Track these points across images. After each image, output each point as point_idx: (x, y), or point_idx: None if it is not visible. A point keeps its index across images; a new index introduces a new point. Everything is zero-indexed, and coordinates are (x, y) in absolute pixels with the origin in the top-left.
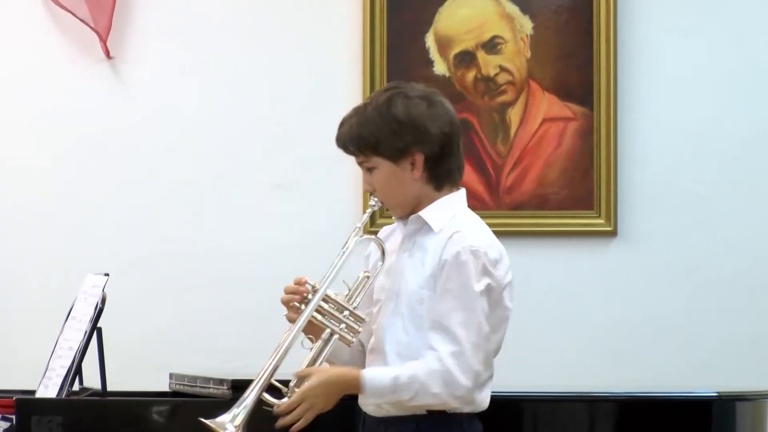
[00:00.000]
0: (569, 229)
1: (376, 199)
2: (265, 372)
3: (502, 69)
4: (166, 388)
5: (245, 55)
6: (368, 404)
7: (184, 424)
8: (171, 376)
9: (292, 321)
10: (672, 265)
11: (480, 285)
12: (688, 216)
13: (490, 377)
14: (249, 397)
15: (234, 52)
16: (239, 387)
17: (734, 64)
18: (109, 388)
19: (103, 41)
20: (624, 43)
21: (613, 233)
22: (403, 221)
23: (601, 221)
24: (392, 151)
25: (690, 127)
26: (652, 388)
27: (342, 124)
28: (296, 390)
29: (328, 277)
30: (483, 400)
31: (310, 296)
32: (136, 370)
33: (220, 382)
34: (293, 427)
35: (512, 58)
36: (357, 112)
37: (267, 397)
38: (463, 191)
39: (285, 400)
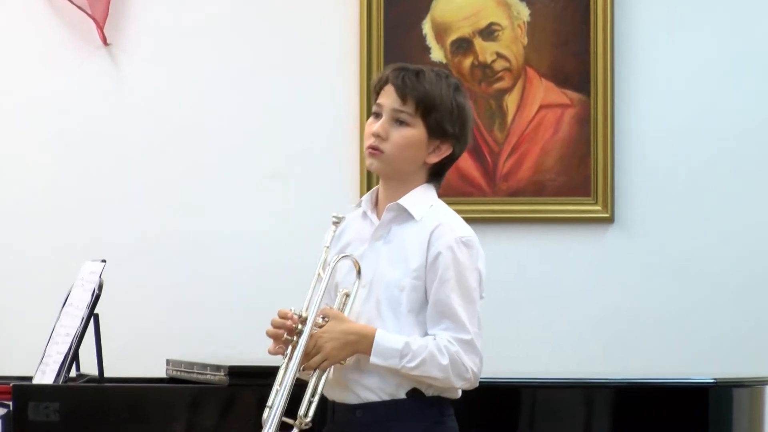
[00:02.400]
0: (566, 216)
1: (337, 216)
2: (275, 413)
3: (499, 56)
4: (163, 375)
5: (241, 45)
6: (360, 378)
7: (181, 410)
8: (168, 362)
9: (277, 353)
10: (669, 251)
11: (474, 275)
12: (685, 203)
13: None
14: None
15: (229, 41)
16: (236, 373)
17: (731, 53)
18: (107, 374)
19: (100, 28)
20: (621, 30)
21: (610, 220)
22: (368, 210)
23: (598, 208)
24: (437, 126)
25: (687, 115)
26: (648, 374)
27: (405, 71)
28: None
29: (315, 303)
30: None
31: (299, 326)
32: (133, 356)
33: (217, 368)
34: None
35: (509, 45)
36: (424, 72)
37: None
38: (435, 189)
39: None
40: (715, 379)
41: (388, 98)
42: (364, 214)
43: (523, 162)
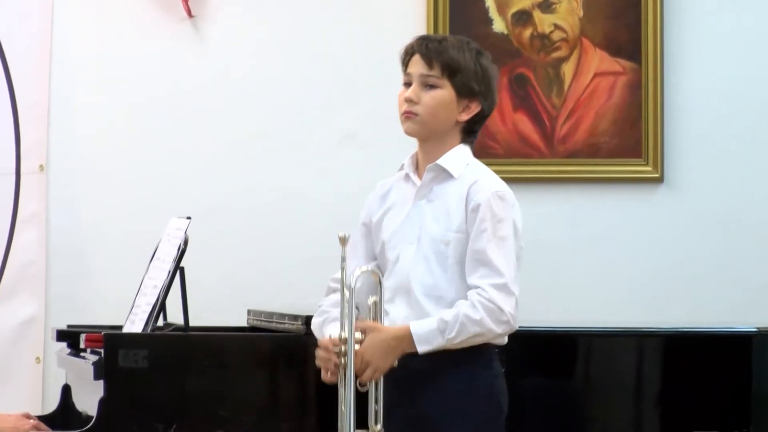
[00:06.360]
0: (619, 176)
1: (344, 236)
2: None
3: (557, 27)
4: (244, 324)
5: (318, 17)
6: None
7: (260, 356)
8: (249, 312)
9: (333, 381)
10: (715, 209)
11: (509, 225)
12: (731, 163)
13: None
14: None
15: (305, 11)
16: None
17: None
18: (191, 323)
19: (185, 1)
20: (671, 2)
21: (660, 180)
22: (410, 172)
23: (649, 168)
24: (464, 86)
25: (733, 79)
26: (695, 323)
27: (428, 40)
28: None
29: (350, 323)
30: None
31: (343, 347)
32: (216, 307)
33: (295, 317)
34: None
35: (566, 17)
36: (446, 39)
37: None
38: (469, 149)
39: None
40: (757, 328)
41: (416, 66)
42: (407, 176)
43: (579, 126)
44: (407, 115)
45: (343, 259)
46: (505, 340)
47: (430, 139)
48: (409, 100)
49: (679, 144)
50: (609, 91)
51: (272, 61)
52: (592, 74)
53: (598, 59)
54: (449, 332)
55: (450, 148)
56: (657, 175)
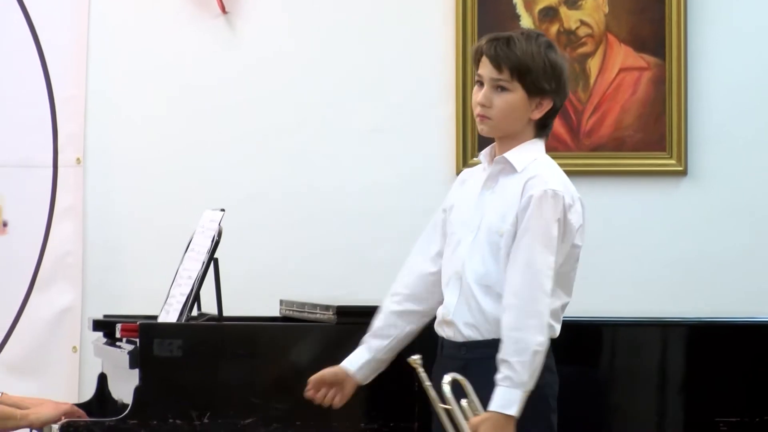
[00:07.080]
0: (643, 169)
1: None
2: None
3: (583, 23)
4: (276, 314)
5: (347, 11)
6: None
7: (293, 345)
8: (281, 302)
9: None
10: (736, 201)
11: (554, 225)
12: (753, 156)
13: (564, 307)
14: None
15: (336, 7)
16: (343, 312)
17: None
18: (225, 313)
19: None
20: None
21: (683, 173)
22: (486, 161)
23: (673, 162)
24: (534, 86)
25: (756, 74)
26: (719, 312)
27: (496, 41)
28: None
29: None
30: (554, 326)
31: None
32: (249, 297)
33: (326, 308)
34: None
35: (591, 13)
36: (514, 39)
37: None
38: (543, 142)
39: None
40: None
41: (486, 68)
42: (484, 167)
43: (605, 120)
44: (481, 118)
45: (424, 380)
46: (557, 332)
47: (504, 137)
48: (481, 104)
49: (703, 138)
50: (634, 86)
51: (304, 57)
52: (617, 69)
53: (623, 55)
54: (516, 376)
55: (522, 142)
56: (681, 168)
